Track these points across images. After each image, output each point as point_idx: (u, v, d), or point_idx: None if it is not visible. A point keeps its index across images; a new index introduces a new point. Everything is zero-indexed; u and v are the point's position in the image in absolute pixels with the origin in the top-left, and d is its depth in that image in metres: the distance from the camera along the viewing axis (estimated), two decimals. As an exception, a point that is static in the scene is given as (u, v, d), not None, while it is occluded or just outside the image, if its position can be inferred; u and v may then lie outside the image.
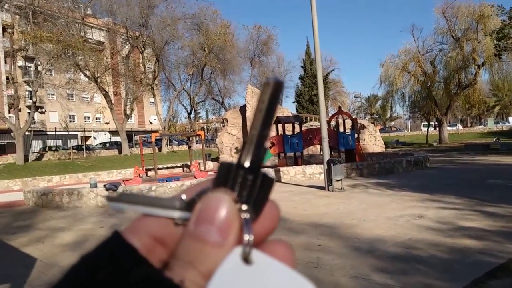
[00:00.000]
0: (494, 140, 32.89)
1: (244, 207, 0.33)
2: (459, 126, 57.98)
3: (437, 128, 41.44)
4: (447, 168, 17.19)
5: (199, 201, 0.33)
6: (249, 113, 24.98)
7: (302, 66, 57.63)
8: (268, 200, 0.34)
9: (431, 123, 43.82)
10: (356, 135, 18.96)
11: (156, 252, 0.32)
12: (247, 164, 0.33)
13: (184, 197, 0.34)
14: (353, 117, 21.87)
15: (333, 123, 19.87)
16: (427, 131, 41.91)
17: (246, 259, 0.31)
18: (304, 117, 34.41)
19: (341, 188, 11.69)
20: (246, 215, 0.32)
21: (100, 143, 47.08)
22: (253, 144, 0.34)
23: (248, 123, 0.36)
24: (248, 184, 0.33)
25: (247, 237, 0.31)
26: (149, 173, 19.55)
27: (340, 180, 11.80)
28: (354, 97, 70.07)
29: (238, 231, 0.32)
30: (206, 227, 0.31)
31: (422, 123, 57.14)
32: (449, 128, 45.53)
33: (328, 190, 11.54)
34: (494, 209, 7.83)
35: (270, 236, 0.35)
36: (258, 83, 47.72)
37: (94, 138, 50.17)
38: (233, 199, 0.32)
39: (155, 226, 0.33)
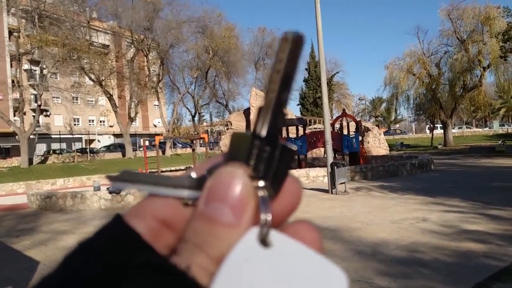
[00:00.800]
0: (500, 142, 32.65)
1: (261, 182, 0.29)
2: (464, 129, 57.70)
3: (443, 130, 41.25)
4: (451, 171, 17.08)
5: (210, 177, 0.29)
6: (253, 116, 24.96)
7: (306, 69, 57.59)
8: (288, 175, 0.30)
9: (436, 125, 43.64)
10: (360, 138, 18.90)
11: (163, 236, 0.29)
12: (263, 133, 0.29)
13: (193, 174, 0.30)
14: (357, 119, 21.81)
15: (337, 125, 19.84)
16: (432, 134, 41.71)
17: (264, 241, 0.27)
18: (308, 119, 34.38)
19: (345, 191, 11.64)
20: (263, 192, 0.28)
21: (104, 146, 47.27)
22: (270, 110, 0.29)
23: (264, 86, 0.31)
24: (265, 156, 0.29)
25: (264, 217, 0.28)
26: (153, 176, 19.55)
27: (344, 183, 11.76)
28: (359, 99, 69.86)
29: (254, 209, 0.28)
30: (217, 205, 0.28)
31: (427, 126, 56.96)
32: (454, 130, 45.29)
33: (332, 193, 11.49)
34: (499, 212, 7.76)
35: (291, 216, 0.31)
36: (262, 86, 47.78)
37: (98, 141, 50.34)
38: (248, 174, 0.28)
39: (161, 207, 0.30)
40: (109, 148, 44.98)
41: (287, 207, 0.30)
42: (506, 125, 55.48)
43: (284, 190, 0.30)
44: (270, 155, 0.29)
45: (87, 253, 0.28)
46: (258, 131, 0.29)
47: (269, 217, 0.28)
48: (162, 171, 19.47)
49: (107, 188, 12.42)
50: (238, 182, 0.28)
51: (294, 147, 0.31)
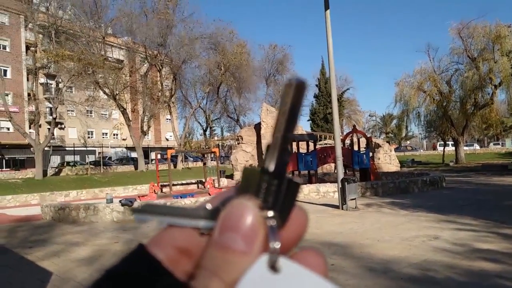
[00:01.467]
0: (512, 161, 32.25)
1: (270, 213, 0.31)
2: (476, 146, 57.08)
3: (454, 147, 40.90)
4: (463, 188, 16.92)
5: (223, 209, 0.32)
6: (264, 131, 25.10)
7: (317, 85, 57.93)
8: (294, 206, 0.33)
9: (447, 142, 43.26)
10: (370, 154, 18.87)
11: (181, 263, 0.32)
12: (271, 168, 0.32)
13: (208, 206, 0.33)
14: (368, 135, 21.80)
15: (347, 141, 19.84)
16: (443, 151, 41.35)
17: (273, 267, 0.30)
18: (318, 135, 34.40)
19: (355, 207, 11.62)
20: (272, 222, 0.31)
21: (117, 159, 47.70)
22: (277, 147, 0.32)
23: (271, 127, 0.34)
24: (273, 189, 0.32)
25: (273, 245, 0.30)
26: (164, 189, 19.71)
27: (354, 199, 11.73)
28: (369, 116, 69.73)
29: (263, 238, 0.31)
30: (230, 234, 0.30)
31: (438, 143, 56.48)
32: (465, 148, 44.87)
33: (342, 209, 11.47)
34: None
35: (298, 243, 0.34)
36: (273, 102, 48.08)
37: (110, 157, 50.84)
38: (258, 206, 0.31)
39: (180, 237, 0.33)
40: (121, 161, 45.41)
41: (294, 235, 0.33)
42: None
43: (291, 220, 0.33)
44: (277, 188, 0.32)
45: (115, 280, 0.30)
46: (267, 166, 0.32)
47: (277, 245, 0.30)
48: (173, 184, 19.60)
49: (120, 201, 12.56)
50: (249, 213, 0.31)
51: (300, 181, 0.34)
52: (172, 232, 0.33)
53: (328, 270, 0.32)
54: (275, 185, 0.32)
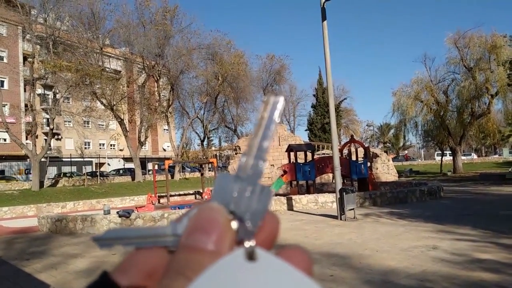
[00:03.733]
0: (510, 170, 32.31)
1: (243, 218, 0.32)
2: (474, 156, 57.23)
3: (452, 157, 41.00)
4: (461, 198, 16.93)
5: (190, 216, 0.32)
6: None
7: (314, 95, 58.14)
8: (266, 212, 0.34)
9: (445, 152, 43.37)
10: (368, 164, 18.89)
11: None
12: (245, 175, 0.33)
13: (175, 221, 0.33)
14: (366, 145, 21.84)
15: (345, 151, 19.86)
16: (441, 160, 41.46)
17: (250, 256, 0.30)
18: (316, 145, 34.44)
19: (354, 217, 11.60)
20: (244, 224, 0.32)
21: (114, 170, 47.56)
22: (252, 155, 0.34)
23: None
24: (246, 195, 0.33)
25: (248, 243, 0.31)
26: (162, 200, 19.65)
27: (353, 209, 11.72)
28: (367, 125, 69.79)
29: (232, 239, 0.31)
30: (197, 236, 0.30)
31: (436, 152, 56.58)
32: (463, 157, 44.99)
33: (341, 219, 11.46)
34: (510, 241, 7.69)
35: (272, 247, 0.34)
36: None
37: (108, 164, 50.73)
38: (228, 209, 0.32)
39: (146, 259, 0.32)
40: (118, 172, 45.26)
41: (266, 240, 0.33)
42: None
43: (264, 225, 0.33)
44: (250, 194, 0.33)
45: None
46: (241, 172, 0.33)
47: (253, 242, 0.31)
48: (171, 195, 19.55)
49: (117, 212, 12.52)
50: (216, 215, 0.31)
51: (272, 189, 0.35)
52: (139, 255, 0.32)
53: (312, 267, 0.32)
54: (248, 191, 0.33)
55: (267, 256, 0.30)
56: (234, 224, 0.32)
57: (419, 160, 64.82)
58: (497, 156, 56.36)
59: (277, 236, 0.34)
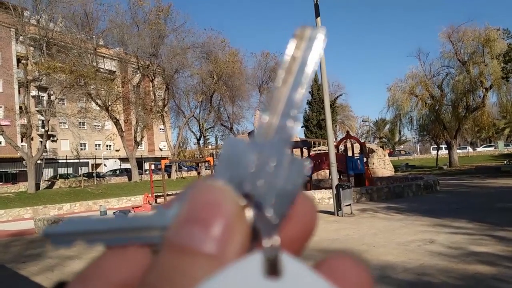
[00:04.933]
0: (505, 162, 32.49)
1: (260, 202, 0.22)
2: (469, 149, 57.48)
3: (447, 151, 41.18)
4: (457, 191, 17.00)
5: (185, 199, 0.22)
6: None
7: (309, 92, 58.12)
8: (298, 194, 0.23)
9: (440, 146, 43.52)
10: (365, 159, 18.93)
11: None
12: (267, 139, 0.23)
13: (166, 208, 0.23)
14: (362, 141, 21.88)
15: (341, 147, 19.89)
16: (437, 154, 41.61)
17: (273, 268, 0.20)
18: (312, 141, 34.47)
19: (351, 213, 11.62)
20: (264, 214, 0.22)
21: (111, 170, 47.44)
22: (277, 112, 0.23)
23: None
24: (267, 170, 0.22)
25: (269, 242, 0.21)
26: (159, 200, 19.59)
27: (350, 205, 11.74)
28: (362, 121, 70.00)
29: (243, 237, 0.21)
30: (192, 229, 0.20)
31: (432, 146, 56.78)
32: (459, 151, 45.18)
33: (338, 215, 11.47)
34: (506, 234, 7.72)
35: (305, 246, 0.24)
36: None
37: (105, 165, 50.58)
38: (242, 192, 0.22)
39: (119, 266, 0.23)
40: (115, 172, 45.15)
41: (297, 237, 0.23)
42: (511, 145, 55.23)
43: (294, 212, 0.23)
44: (275, 168, 0.22)
45: None
46: (261, 137, 0.23)
47: (276, 241, 0.21)
48: (167, 195, 19.51)
49: (114, 213, 12.47)
50: (219, 198, 0.21)
51: (307, 162, 0.24)
52: (108, 259, 0.23)
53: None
54: (270, 164, 0.22)
55: (298, 268, 0.20)
56: (249, 213, 0.22)
57: (415, 154, 65.02)
58: (492, 149, 56.51)
59: (313, 232, 0.25)
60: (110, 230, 0.23)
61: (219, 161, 0.23)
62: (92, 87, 32.31)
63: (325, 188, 16.92)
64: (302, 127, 58.60)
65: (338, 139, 33.00)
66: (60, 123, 44.17)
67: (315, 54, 0.24)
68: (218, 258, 0.19)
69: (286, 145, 0.23)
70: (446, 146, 41.73)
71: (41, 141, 32.54)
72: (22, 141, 38.94)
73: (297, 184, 0.23)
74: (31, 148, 28.92)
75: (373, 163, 26.75)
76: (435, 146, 46.08)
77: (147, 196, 18.34)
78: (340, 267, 0.22)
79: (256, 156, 0.22)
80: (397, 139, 79.47)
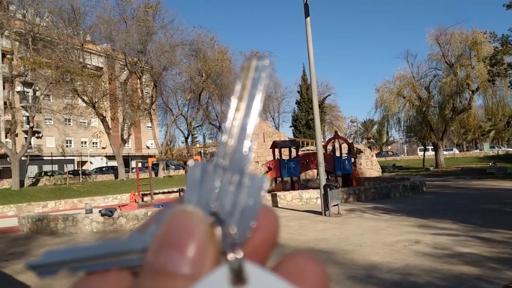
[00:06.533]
0: (490, 164, 33.03)
1: (226, 219, 0.24)
2: (455, 151, 58.25)
3: (434, 152, 41.66)
4: (443, 192, 17.20)
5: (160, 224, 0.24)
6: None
7: (298, 91, 58.35)
8: (260, 207, 0.26)
9: (427, 147, 44.01)
10: (352, 160, 19.03)
11: None
12: (226, 162, 0.25)
13: (141, 232, 0.25)
14: (350, 141, 22.00)
15: (329, 147, 19.96)
16: (424, 156, 42.05)
17: (238, 277, 0.22)
18: (300, 141, 34.55)
19: (338, 213, 11.66)
20: (229, 230, 0.24)
21: (97, 168, 46.96)
22: (234, 137, 0.26)
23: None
24: (231, 190, 0.25)
25: (233, 256, 0.23)
26: (145, 198, 19.44)
27: (337, 205, 11.78)
28: (351, 121, 70.38)
29: (215, 256, 0.23)
30: (169, 253, 0.22)
31: (419, 148, 57.42)
32: (445, 152, 45.75)
33: (325, 215, 11.50)
34: (491, 235, 7.82)
35: (270, 254, 0.26)
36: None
37: (91, 162, 50.03)
38: (209, 211, 0.24)
39: None
40: (101, 170, 44.69)
41: (263, 243, 0.25)
42: (496, 147, 56.14)
43: (258, 225, 0.25)
44: (236, 187, 0.25)
45: None
46: (221, 160, 0.25)
47: (240, 253, 0.23)
48: (154, 193, 19.38)
49: (99, 211, 12.33)
50: (192, 222, 0.23)
51: (266, 178, 0.27)
52: (91, 283, 0.25)
53: (330, 283, 0.24)
54: (232, 183, 0.25)
55: (261, 275, 0.22)
56: (218, 231, 0.24)
57: (402, 155, 65.66)
58: (478, 151, 57.39)
59: (276, 240, 0.26)
60: (91, 257, 0.24)
61: (187, 185, 0.25)
62: (78, 83, 31.91)
63: (313, 188, 16.96)
64: (290, 126, 58.78)
65: (327, 139, 33.17)
66: (45, 119, 43.52)
67: (261, 82, 0.28)
68: (195, 277, 0.21)
69: (245, 165, 0.25)
70: (432, 147, 42.23)
71: (25, 138, 32.06)
72: (6, 137, 38.29)
73: (257, 199, 0.25)
74: (15, 144, 28.47)
75: (361, 164, 26.93)
76: (422, 147, 46.60)
77: (134, 195, 18.20)
78: (299, 266, 0.24)
79: (219, 178, 0.25)
80: (384, 140, 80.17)
